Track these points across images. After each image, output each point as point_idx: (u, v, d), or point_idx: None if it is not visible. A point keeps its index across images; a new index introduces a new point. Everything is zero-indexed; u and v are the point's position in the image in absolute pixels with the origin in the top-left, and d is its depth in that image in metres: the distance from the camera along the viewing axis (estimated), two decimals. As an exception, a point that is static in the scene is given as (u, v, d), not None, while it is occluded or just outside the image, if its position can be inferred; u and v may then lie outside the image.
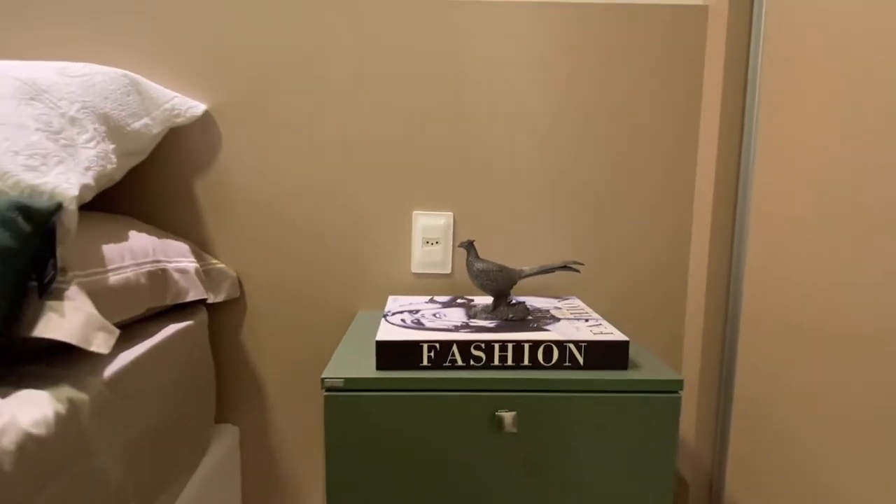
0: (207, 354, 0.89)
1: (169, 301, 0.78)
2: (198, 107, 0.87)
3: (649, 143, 0.91)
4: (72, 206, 0.57)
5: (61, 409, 0.50)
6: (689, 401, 0.93)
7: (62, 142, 0.64)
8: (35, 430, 0.47)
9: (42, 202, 0.55)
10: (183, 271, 0.81)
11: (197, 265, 0.85)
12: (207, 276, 0.88)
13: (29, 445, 0.46)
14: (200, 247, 0.91)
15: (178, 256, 0.82)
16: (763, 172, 0.81)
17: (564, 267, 0.75)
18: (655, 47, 0.89)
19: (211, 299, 0.87)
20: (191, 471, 0.81)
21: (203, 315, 0.88)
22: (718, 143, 0.86)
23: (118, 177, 0.75)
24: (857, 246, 0.61)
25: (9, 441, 0.44)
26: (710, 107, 0.88)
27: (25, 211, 0.53)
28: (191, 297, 0.82)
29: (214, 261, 0.90)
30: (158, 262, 0.76)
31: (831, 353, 0.65)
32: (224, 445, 0.92)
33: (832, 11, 0.66)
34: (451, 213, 0.93)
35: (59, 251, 0.55)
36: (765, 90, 0.81)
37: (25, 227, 0.53)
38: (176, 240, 0.85)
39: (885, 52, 0.58)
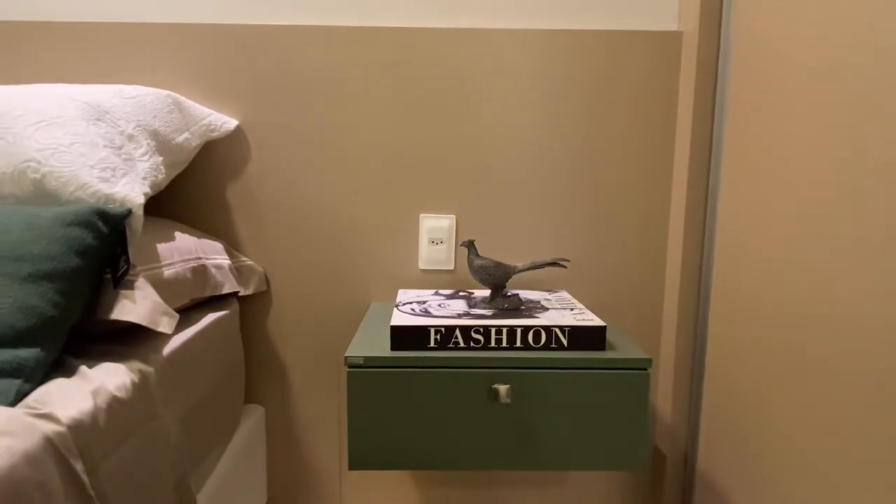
0: (238, 341, 0.99)
1: (208, 293, 0.88)
2: (230, 122, 0.97)
3: (630, 154, 1.01)
4: (139, 212, 0.67)
5: (135, 378, 0.61)
6: (666, 380, 1.03)
7: (123, 156, 0.74)
8: (118, 394, 0.57)
9: (116, 208, 0.65)
10: (219, 267, 0.91)
11: (230, 262, 0.95)
12: (238, 271, 0.98)
13: (115, 405, 0.56)
14: (232, 246, 1.01)
15: (214, 254, 0.92)
16: (729, 177, 0.90)
17: (553, 263, 0.85)
18: (637, 68, 0.99)
19: (242, 292, 0.97)
20: (226, 443, 0.91)
21: (235, 306, 0.98)
22: (690, 154, 0.96)
23: (164, 185, 0.86)
24: (810, 240, 0.71)
25: (101, 401, 0.54)
26: (684, 120, 0.98)
27: (103, 216, 0.63)
28: (225, 290, 0.92)
29: (244, 258, 1.00)
30: (199, 259, 0.86)
31: (791, 334, 0.75)
32: (251, 423, 1.02)
33: (792, 34, 0.76)
34: (453, 216, 1.03)
35: (130, 250, 0.65)
36: (731, 103, 0.90)
37: (104, 229, 0.63)
38: (212, 239, 0.95)
39: (837, 72, 0.68)
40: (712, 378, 0.95)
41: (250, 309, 1.04)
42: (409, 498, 1.10)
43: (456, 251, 1.04)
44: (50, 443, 0.47)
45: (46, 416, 0.49)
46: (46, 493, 0.45)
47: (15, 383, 0.51)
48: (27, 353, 0.53)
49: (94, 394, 0.54)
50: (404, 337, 0.74)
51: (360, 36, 0.98)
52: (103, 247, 0.63)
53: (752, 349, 0.83)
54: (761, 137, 0.81)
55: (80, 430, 0.50)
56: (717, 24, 0.94)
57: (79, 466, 0.49)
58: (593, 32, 0.98)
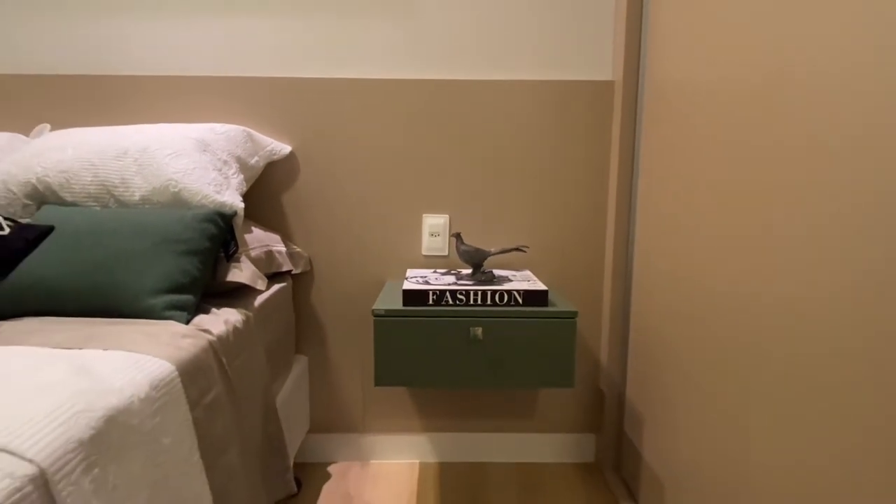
0: (291, 306, 1.32)
1: (273, 270, 1.20)
2: (286, 148, 1.30)
3: (578, 167, 1.33)
4: (241, 213, 1.00)
5: (243, 317, 0.93)
6: (605, 336, 1.35)
7: (223, 175, 1.07)
8: (237, 325, 0.90)
9: (226, 210, 0.98)
10: (279, 252, 1.24)
11: (286, 248, 1.28)
12: (291, 256, 1.30)
13: (236, 331, 0.89)
14: (286, 237, 1.34)
15: (276, 243, 1.24)
16: (643, 184, 1.22)
17: (516, 248, 1.17)
18: (581, 108, 1.31)
19: (294, 271, 1.29)
20: (284, 378, 1.24)
21: (289, 281, 1.31)
22: (619, 169, 1.28)
23: (243, 194, 1.18)
24: (697, 229, 1.03)
25: (229, 327, 0.87)
26: (615, 147, 1.30)
27: (221, 215, 0.96)
28: (284, 269, 1.24)
29: (295, 246, 1.33)
30: (267, 246, 1.19)
31: (684, 297, 1.07)
32: (298, 368, 1.34)
33: (687, 78, 1.08)
34: (447, 216, 1.35)
35: (237, 238, 0.98)
36: (645, 130, 1.22)
37: (221, 223, 0.96)
38: (273, 232, 1.27)
39: (717, 104, 1.00)
40: (634, 332, 1.27)
41: (298, 284, 1.37)
42: (413, 424, 1.43)
43: (449, 242, 1.36)
44: (211, 344, 0.80)
45: (206, 331, 0.81)
46: (211, 371, 0.78)
47: (184, 314, 0.84)
48: (187, 298, 0.86)
49: (225, 323, 0.87)
50: (412, 297, 1.07)
51: (379, 85, 1.30)
52: (221, 235, 0.96)
53: (658, 309, 1.15)
54: (664, 152, 1.13)
55: (221, 341, 0.83)
56: (635, 74, 1.26)
57: (224, 361, 0.81)
58: (551, 82, 1.30)
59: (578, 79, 1.31)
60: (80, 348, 0.68)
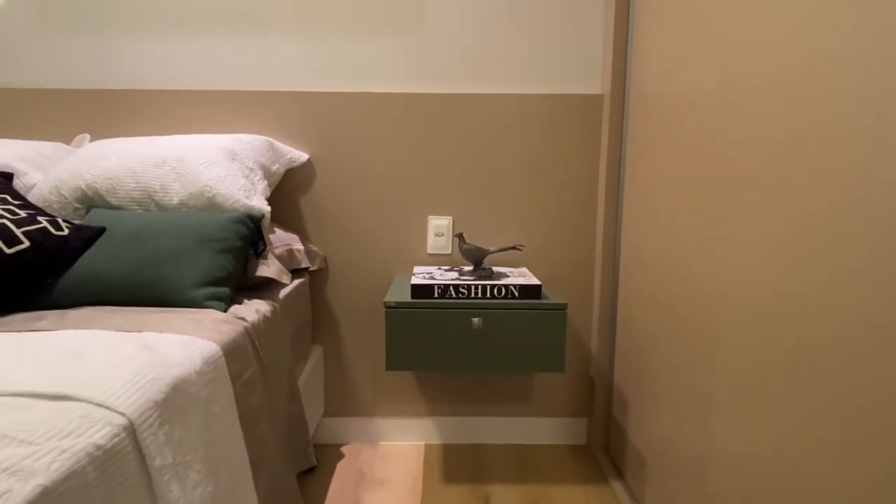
0: (308, 300, 1.43)
1: (293, 266, 1.31)
2: (304, 156, 1.41)
3: (570, 173, 1.44)
4: (268, 216, 1.11)
5: (271, 308, 1.04)
6: (594, 328, 1.46)
7: (251, 182, 1.18)
8: (266, 314, 1.01)
9: (255, 213, 1.09)
10: (299, 250, 1.35)
11: (303, 247, 1.39)
12: (308, 254, 1.41)
13: (265, 319, 1.00)
14: (304, 236, 1.45)
15: (295, 242, 1.35)
16: (630, 190, 1.33)
17: (513, 247, 1.28)
18: (573, 119, 1.42)
19: (311, 268, 1.40)
20: (303, 366, 1.35)
21: (307, 277, 1.42)
22: (607, 175, 1.39)
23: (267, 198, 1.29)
24: (676, 232, 1.14)
25: (259, 315, 0.98)
26: (603, 154, 1.41)
27: (251, 218, 1.07)
28: (302, 266, 1.35)
29: (312, 245, 1.44)
30: (288, 244, 1.30)
31: (666, 294, 1.18)
32: (315, 357, 1.45)
33: (664, 92, 1.19)
34: (451, 217, 1.46)
35: (265, 238, 1.09)
36: (630, 139, 1.33)
37: (250, 225, 1.07)
38: (292, 232, 1.39)
39: (693, 115, 1.11)
40: (621, 327, 1.38)
41: (314, 280, 1.48)
42: (419, 409, 1.54)
43: (452, 241, 1.47)
44: (246, 330, 0.91)
45: (242, 318, 0.93)
46: (247, 352, 0.89)
47: (222, 304, 0.95)
48: (224, 290, 0.97)
49: (256, 312, 0.98)
50: (420, 291, 1.18)
51: (388, 98, 1.41)
52: (251, 235, 1.07)
53: (643, 302, 1.25)
54: (649, 158, 1.24)
55: (255, 327, 0.94)
56: (622, 88, 1.36)
57: (257, 344, 0.93)
58: (546, 95, 1.41)
59: (570, 93, 1.42)
60: (139, 331, 0.79)
